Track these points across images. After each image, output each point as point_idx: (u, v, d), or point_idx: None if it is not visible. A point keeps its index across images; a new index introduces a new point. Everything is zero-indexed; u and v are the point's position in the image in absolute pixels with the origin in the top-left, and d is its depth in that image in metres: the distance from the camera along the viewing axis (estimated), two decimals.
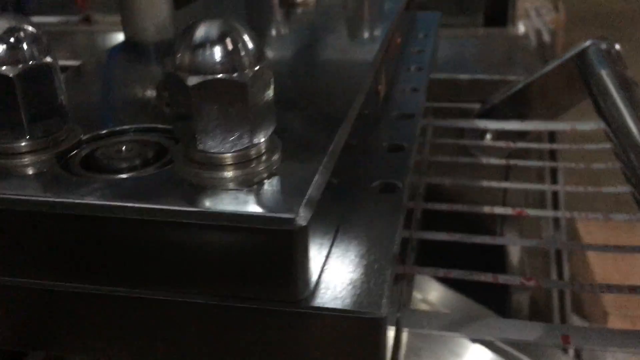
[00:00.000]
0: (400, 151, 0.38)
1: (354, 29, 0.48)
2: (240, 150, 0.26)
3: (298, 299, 0.24)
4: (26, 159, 0.28)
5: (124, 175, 0.26)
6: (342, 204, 0.31)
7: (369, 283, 0.26)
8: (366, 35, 0.46)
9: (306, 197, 0.24)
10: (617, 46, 0.63)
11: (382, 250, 0.28)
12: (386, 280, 0.26)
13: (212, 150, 0.25)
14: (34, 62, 0.27)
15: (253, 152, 0.26)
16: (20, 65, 0.27)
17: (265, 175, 0.26)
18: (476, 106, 0.74)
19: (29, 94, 0.27)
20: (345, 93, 0.34)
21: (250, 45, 0.25)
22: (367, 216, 0.31)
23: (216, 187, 0.25)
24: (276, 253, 0.23)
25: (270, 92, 0.26)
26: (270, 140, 0.27)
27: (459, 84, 0.77)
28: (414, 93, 0.46)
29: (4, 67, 0.26)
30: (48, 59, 0.28)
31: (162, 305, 0.25)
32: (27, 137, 0.28)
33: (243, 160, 0.26)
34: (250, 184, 0.25)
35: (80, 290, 0.26)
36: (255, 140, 0.26)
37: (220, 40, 0.24)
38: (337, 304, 0.24)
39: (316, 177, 0.25)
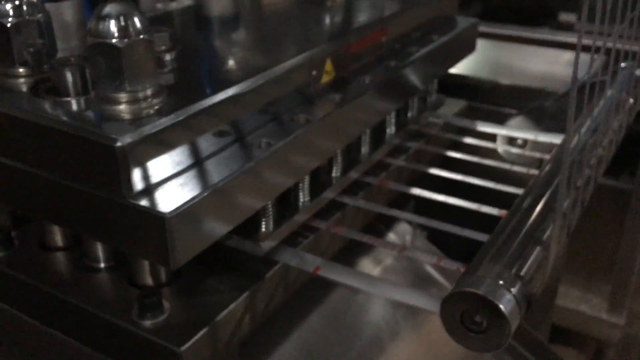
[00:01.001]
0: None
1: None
2: (118, 94, 0.38)
3: (125, 196, 0.36)
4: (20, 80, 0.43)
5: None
6: None
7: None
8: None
9: (139, 129, 0.35)
10: None
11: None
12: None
13: (101, 91, 0.38)
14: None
15: (125, 96, 0.38)
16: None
17: (137, 112, 0.38)
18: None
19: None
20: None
21: (130, 22, 0.37)
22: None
23: (106, 114, 0.38)
24: (106, 160, 0.35)
25: (149, 57, 0.38)
26: (153, 91, 0.39)
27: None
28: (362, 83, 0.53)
29: None
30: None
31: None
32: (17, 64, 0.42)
33: (125, 101, 0.38)
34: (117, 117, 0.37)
35: None
36: (130, 89, 0.37)
37: (108, 17, 0.36)
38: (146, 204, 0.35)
39: (158, 119, 0.37)
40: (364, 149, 0.58)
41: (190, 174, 0.39)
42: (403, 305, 0.43)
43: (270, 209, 0.46)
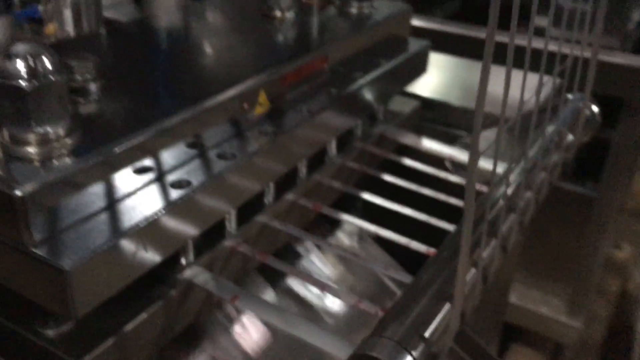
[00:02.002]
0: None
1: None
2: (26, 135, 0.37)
3: (26, 245, 0.35)
4: None
5: None
6: None
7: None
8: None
9: (45, 173, 0.35)
10: None
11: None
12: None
13: (9, 131, 0.37)
14: None
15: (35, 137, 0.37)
16: None
17: (47, 153, 0.37)
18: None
19: None
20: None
21: (39, 63, 0.35)
22: None
23: (15, 154, 0.37)
24: (6, 208, 0.34)
25: (59, 99, 0.37)
26: (66, 130, 0.38)
27: None
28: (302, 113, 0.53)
29: None
30: None
31: None
32: None
33: (34, 142, 0.37)
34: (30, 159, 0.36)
35: None
36: (38, 131, 0.36)
37: (16, 56, 0.35)
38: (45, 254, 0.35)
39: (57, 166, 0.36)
40: (302, 171, 0.57)
41: (102, 218, 0.38)
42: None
43: (190, 246, 0.45)
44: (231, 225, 0.49)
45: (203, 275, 0.46)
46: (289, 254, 0.61)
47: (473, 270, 0.42)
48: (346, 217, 0.59)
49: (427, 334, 0.36)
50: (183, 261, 0.45)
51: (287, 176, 0.55)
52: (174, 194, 0.41)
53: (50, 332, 0.39)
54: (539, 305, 1.42)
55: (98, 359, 0.39)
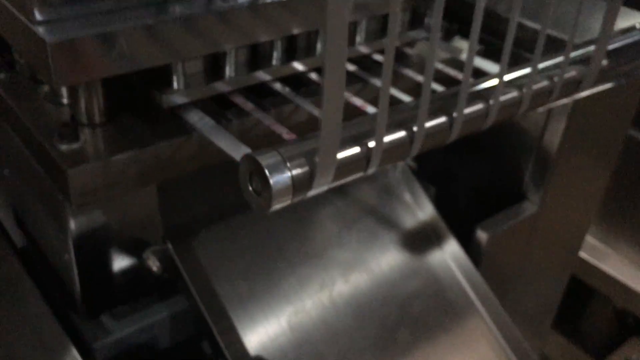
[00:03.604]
0: None
1: None
2: None
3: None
4: None
5: None
6: None
7: None
8: None
9: None
10: None
11: None
12: None
13: None
14: None
15: None
16: None
17: None
18: None
19: None
20: None
21: None
22: None
23: None
24: None
25: None
26: None
27: None
28: None
29: None
30: None
31: None
32: None
33: None
34: None
35: None
36: None
37: None
38: None
39: None
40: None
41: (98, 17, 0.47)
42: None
43: (181, 67, 0.53)
44: (230, 68, 0.56)
45: (191, 111, 0.53)
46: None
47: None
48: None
49: (317, 159, 0.40)
50: (175, 84, 0.54)
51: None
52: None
53: (63, 147, 0.49)
54: None
55: (85, 170, 0.48)
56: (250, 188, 0.41)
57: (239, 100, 0.57)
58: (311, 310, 0.67)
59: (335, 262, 0.70)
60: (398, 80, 0.65)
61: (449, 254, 0.77)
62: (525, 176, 0.86)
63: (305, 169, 0.40)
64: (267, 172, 0.39)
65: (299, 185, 0.40)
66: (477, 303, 0.75)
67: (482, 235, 0.81)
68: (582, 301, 1.52)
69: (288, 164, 0.40)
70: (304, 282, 0.67)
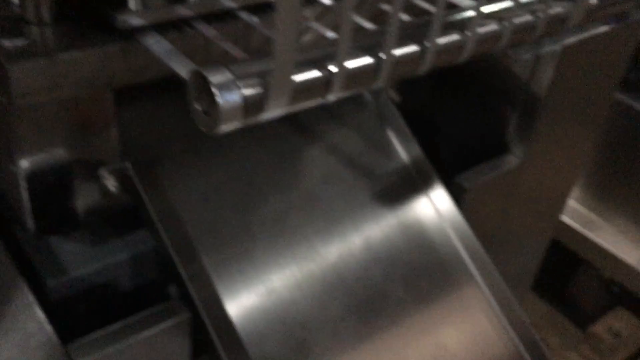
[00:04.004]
0: None
1: None
2: None
3: None
4: None
5: None
6: None
7: None
8: None
9: None
10: None
11: None
12: None
13: None
14: None
15: None
16: None
17: None
18: None
19: None
20: None
21: None
22: None
23: None
24: None
25: None
26: None
27: None
28: None
29: None
30: None
31: None
32: None
33: None
34: None
35: None
36: None
37: None
38: None
39: None
40: None
41: None
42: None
43: None
44: None
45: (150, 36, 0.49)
46: None
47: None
48: None
49: (270, 80, 0.37)
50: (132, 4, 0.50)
51: None
52: None
53: (7, 44, 0.45)
54: None
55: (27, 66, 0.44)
56: (200, 108, 0.38)
57: (202, 27, 0.53)
58: (287, 248, 0.61)
59: (312, 199, 0.65)
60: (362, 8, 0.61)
61: (439, 205, 0.72)
62: (510, 128, 0.83)
63: (258, 89, 0.37)
64: (214, 90, 0.36)
65: (251, 106, 0.37)
66: (465, 255, 0.71)
67: (460, 187, 0.78)
68: (568, 269, 1.51)
69: (238, 83, 0.37)
70: (280, 217, 0.62)
